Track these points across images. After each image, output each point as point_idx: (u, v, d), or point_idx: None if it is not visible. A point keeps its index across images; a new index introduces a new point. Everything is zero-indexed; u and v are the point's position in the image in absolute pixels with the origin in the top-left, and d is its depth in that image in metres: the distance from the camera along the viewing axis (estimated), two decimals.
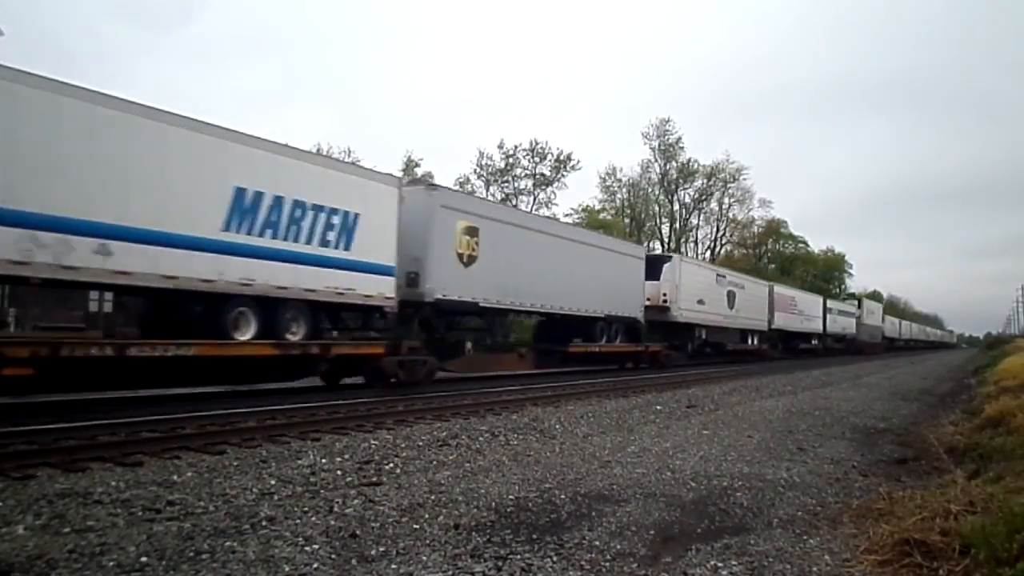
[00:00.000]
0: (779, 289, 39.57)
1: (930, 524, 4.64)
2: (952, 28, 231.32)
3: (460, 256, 15.51)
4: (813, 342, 45.99)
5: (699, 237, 62.47)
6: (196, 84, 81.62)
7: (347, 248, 12.81)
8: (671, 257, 27.83)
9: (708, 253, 61.03)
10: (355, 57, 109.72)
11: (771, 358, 36.13)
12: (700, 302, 27.57)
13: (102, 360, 9.31)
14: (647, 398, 14.64)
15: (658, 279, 25.33)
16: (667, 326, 26.13)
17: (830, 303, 50.08)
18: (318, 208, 12.24)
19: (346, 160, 33.90)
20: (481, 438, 8.92)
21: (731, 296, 31.33)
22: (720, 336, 30.88)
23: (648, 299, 24.50)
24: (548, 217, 22.82)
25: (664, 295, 25.38)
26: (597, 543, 4.78)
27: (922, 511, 4.92)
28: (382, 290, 13.47)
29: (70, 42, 79.13)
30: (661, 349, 25.22)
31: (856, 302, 59.48)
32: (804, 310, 42.86)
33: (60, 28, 79.36)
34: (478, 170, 48.36)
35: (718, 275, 31.48)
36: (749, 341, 34.46)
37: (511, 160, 48.33)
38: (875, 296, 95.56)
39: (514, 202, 46.00)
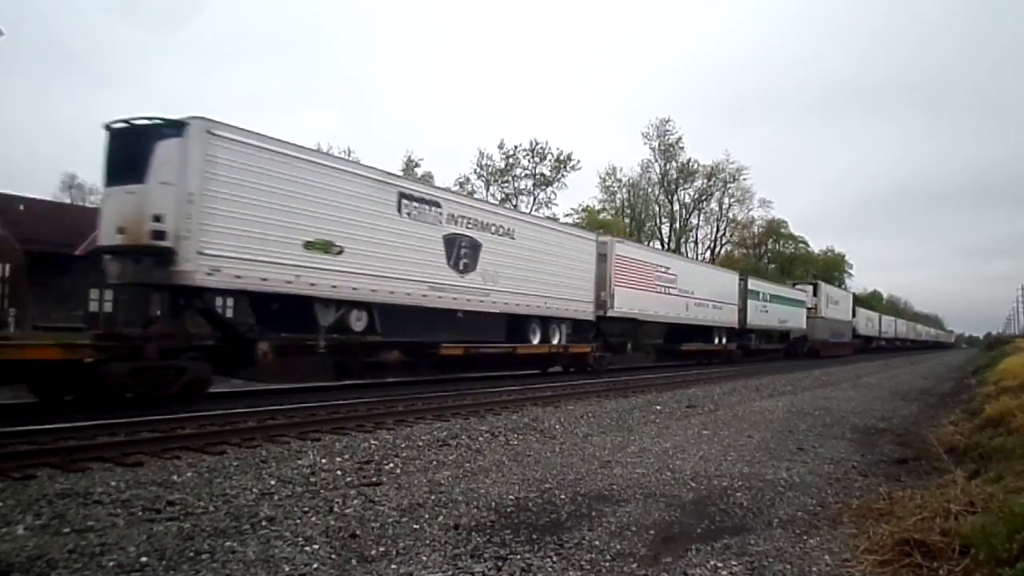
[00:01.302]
0: (626, 250, 22.89)
1: (930, 524, 4.64)
2: (953, 28, 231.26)
3: None
4: (720, 341, 30.18)
5: (699, 237, 62.56)
6: (199, 84, 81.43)
7: None
8: (184, 125, 10.49)
9: (708, 253, 61.07)
10: (357, 58, 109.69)
11: (602, 368, 21.14)
12: (330, 248, 12.39)
13: None
14: (647, 398, 14.65)
15: (141, 180, 10.51)
16: (176, 297, 11.29)
17: (756, 284, 34.79)
18: None
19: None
20: (481, 438, 8.92)
21: (460, 249, 15.53)
22: (422, 328, 14.72)
23: (122, 228, 10.66)
24: None
25: (156, 219, 10.36)
26: (597, 543, 4.79)
27: (922, 511, 4.92)
28: None
29: (76, 43, 79.06)
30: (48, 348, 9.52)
31: (810, 287, 44.41)
32: (694, 290, 26.77)
33: (66, 29, 79.41)
34: (478, 170, 48.46)
35: (406, 196, 14.18)
36: (534, 336, 18.50)
37: (511, 160, 48.49)
38: (875, 296, 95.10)
39: (514, 202, 46.04)
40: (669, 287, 25.17)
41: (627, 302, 22.21)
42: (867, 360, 42.72)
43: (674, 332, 27.10)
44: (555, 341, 19.47)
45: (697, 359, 29.32)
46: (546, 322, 19.00)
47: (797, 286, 43.60)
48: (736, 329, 31.62)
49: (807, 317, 40.77)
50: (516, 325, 18.00)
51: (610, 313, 21.30)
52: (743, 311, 32.05)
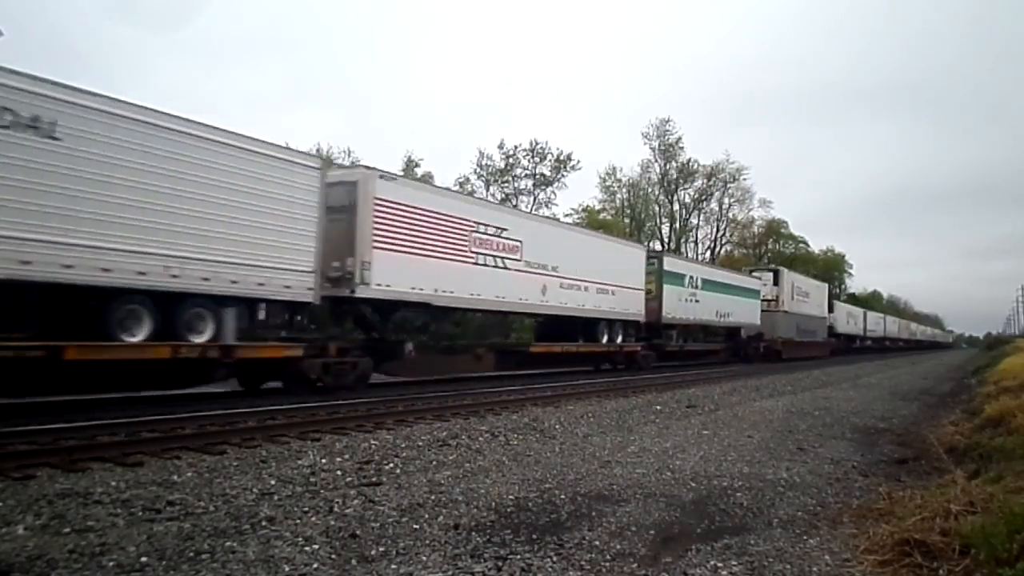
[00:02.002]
0: (403, 194, 14.40)
1: (930, 524, 4.64)
2: (953, 28, 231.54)
3: None
4: (613, 338, 21.87)
5: (699, 237, 62.58)
6: (199, 84, 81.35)
7: None
8: None
9: (708, 253, 61.10)
10: (357, 58, 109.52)
11: (345, 384, 13.15)
12: None
13: None
14: (647, 398, 14.65)
15: None
16: None
17: (680, 265, 27.50)
18: None
19: None
20: (481, 438, 8.92)
21: None
22: None
23: None
24: None
25: None
26: (597, 543, 4.78)
27: (922, 511, 4.92)
28: None
29: (78, 43, 78.99)
30: None
31: (770, 274, 36.57)
32: (559, 265, 18.74)
33: (68, 29, 79.24)
34: (478, 170, 48.41)
35: None
36: (135, 328, 10.11)
37: (511, 160, 48.43)
38: (875, 296, 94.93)
39: (514, 202, 46.08)
40: (503, 257, 16.65)
41: (404, 276, 13.83)
42: (867, 360, 42.60)
43: (552, 325, 19.84)
44: (202, 338, 10.97)
45: (568, 365, 20.39)
46: (176, 303, 10.67)
47: (754, 273, 36.32)
48: (645, 323, 23.59)
49: (764, 311, 33.84)
50: (73, 307, 9.75)
51: (363, 293, 13.16)
52: (657, 299, 24.17)
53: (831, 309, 46.53)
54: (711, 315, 28.48)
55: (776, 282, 35.93)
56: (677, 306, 25.65)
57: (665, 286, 24.74)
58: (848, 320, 52.46)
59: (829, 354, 43.03)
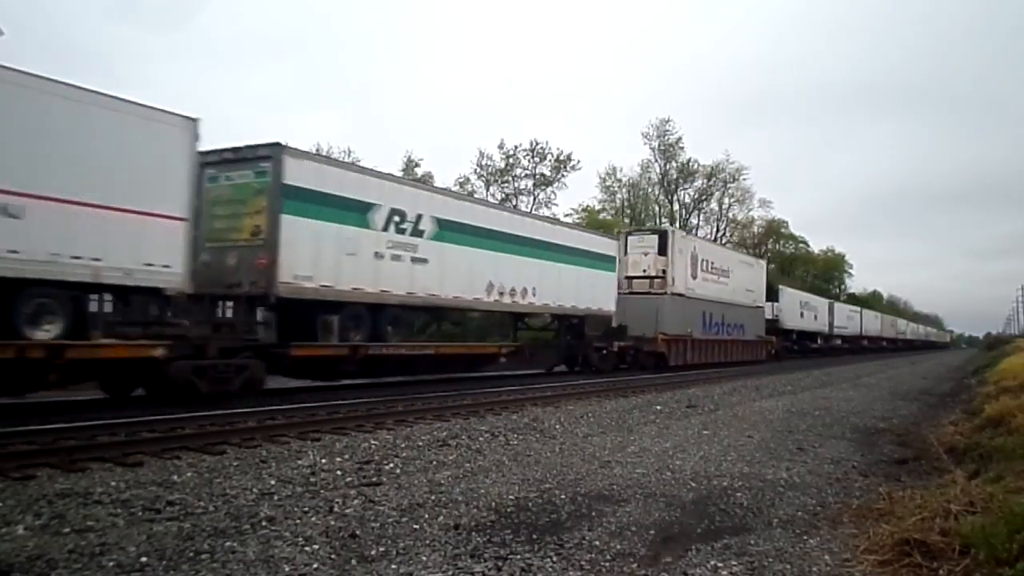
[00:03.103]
0: None
1: (930, 524, 4.64)
2: (954, 28, 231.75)
3: None
4: (49, 329, 8.96)
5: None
6: (199, 84, 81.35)
7: None
8: None
9: None
10: (358, 58, 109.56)
11: None
12: None
13: None
14: (647, 398, 14.65)
15: None
16: None
17: (333, 175, 12.90)
18: None
19: None
20: (481, 438, 8.92)
21: None
22: None
23: None
24: None
25: None
26: (597, 543, 4.78)
27: (922, 511, 4.92)
28: None
29: (78, 43, 78.99)
30: None
31: (654, 237, 23.95)
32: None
33: (68, 29, 79.25)
34: (478, 170, 48.40)
35: None
36: None
37: (511, 160, 48.39)
38: (875, 296, 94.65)
39: (514, 202, 46.10)
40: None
41: None
42: (866, 360, 42.50)
43: None
44: None
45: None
46: None
47: (632, 236, 24.14)
48: (229, 297, 12.49)
49: (640, 293, 22.92)
50: None
51: None
52: (271, 248, 11.90)
53: (774, 296, 34.77)
54: (470, 290, 16.01)
55: (663, 250, 23.15)
56: (343, 265, 13.14)
57: (288, 219, 12.05)
58: (802, 312, 39.73)
59: (768, 357, 31.79)
